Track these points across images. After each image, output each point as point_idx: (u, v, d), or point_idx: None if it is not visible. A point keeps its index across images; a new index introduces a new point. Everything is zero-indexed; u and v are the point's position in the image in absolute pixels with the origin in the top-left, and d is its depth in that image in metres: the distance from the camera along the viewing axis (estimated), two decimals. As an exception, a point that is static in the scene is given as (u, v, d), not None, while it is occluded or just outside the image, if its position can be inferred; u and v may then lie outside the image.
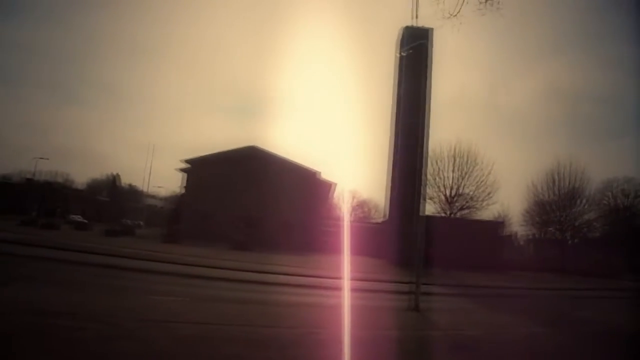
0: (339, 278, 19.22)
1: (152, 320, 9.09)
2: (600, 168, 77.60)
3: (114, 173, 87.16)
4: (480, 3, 8.13)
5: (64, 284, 13.02)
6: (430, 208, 41.68)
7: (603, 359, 9.97)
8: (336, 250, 41.72)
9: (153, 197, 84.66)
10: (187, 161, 52.15)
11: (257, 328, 9.54)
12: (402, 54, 23.38)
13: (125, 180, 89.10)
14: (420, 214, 14.72)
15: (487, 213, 48.52)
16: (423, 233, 13.91)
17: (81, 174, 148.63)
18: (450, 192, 42.00)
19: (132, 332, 7.90)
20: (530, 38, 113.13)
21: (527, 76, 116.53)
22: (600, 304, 22.29)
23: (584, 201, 55.86)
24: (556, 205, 55.74)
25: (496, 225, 50.62)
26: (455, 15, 8.35)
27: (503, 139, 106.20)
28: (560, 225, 55.75)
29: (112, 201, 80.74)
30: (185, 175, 52.84)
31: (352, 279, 20.14)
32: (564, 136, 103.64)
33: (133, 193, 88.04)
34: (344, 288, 16.27)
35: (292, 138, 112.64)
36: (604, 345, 10.85)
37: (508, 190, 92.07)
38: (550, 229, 62.55)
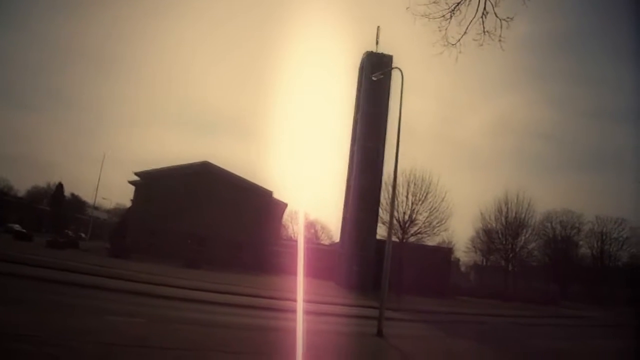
0: (294, 300, 18.98)
1: (116, 344, 8.58)
2: (543, 200, 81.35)
3: (57, 182, 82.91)
4: (478, 34, 8.27)
5: (10, 301, 12.02)
6: (382, 232, 42.10)
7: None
8: (286, 270, 41.52)
9: (97, 208, 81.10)
10: (137, 174, 50.59)
11: (230, 355, 9.22)
12: (374, 78, 23.75)
13: (70, 190, 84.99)
14: (387, 238, 14.83)
15: (435, 239, 49.52)
16: (389, 259, 14.01)
17: (23, 181, 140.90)
18: (404, 217, 42.57)
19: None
20: (484, 75, 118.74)
21: (481, 110, 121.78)
22: (551, 332, 23.08)
23: (528, 231, 58.08)
24: (502, 234, 57.66)
25: (446, 252, 51.80)
26: (455, 44, 8.49)
27: (456, 169, 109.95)
28: (505, 253, 57.64)
29: (54, 211, 76.62)
30: (135, 188, 51.15)
31: (308, 301, 19.94)
32: (513, 168, 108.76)
33: (76, 203, 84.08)
34: (299, 311, 16.01)
35: (246, 156, 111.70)
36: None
37: (455, 218, 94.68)
38: (494, 256, 64.79)
